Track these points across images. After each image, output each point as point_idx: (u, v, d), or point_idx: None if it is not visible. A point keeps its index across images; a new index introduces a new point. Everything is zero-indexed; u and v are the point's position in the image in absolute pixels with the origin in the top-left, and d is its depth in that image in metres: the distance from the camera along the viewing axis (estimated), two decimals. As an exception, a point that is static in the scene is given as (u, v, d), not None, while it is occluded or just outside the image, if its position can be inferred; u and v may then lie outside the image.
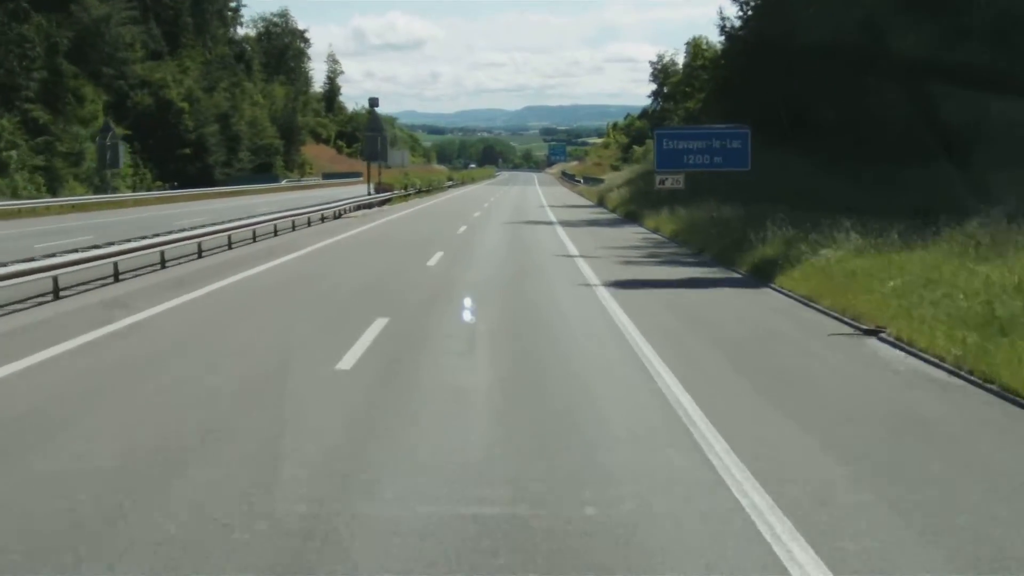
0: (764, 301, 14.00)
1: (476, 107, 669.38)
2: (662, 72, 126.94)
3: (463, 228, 29.32)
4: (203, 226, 21.47)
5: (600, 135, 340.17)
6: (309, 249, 21.44)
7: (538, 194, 66.73)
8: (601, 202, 47.77)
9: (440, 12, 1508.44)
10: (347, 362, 8.70)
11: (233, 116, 79.65)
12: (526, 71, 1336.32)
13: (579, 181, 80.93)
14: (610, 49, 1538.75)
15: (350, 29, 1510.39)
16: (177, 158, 72.61)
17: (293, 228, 27.90)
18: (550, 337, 10.63)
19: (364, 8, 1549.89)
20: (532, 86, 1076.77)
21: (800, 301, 13.58)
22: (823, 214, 21.30)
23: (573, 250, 22.15)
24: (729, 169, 36.70)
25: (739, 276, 17.01)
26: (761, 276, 16.16)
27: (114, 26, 73.41)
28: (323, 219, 32.19)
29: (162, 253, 17.28)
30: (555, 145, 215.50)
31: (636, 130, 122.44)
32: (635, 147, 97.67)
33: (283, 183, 71.06)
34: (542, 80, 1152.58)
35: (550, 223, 33.91)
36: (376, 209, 41.36)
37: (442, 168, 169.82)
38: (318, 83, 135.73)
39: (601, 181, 60.42)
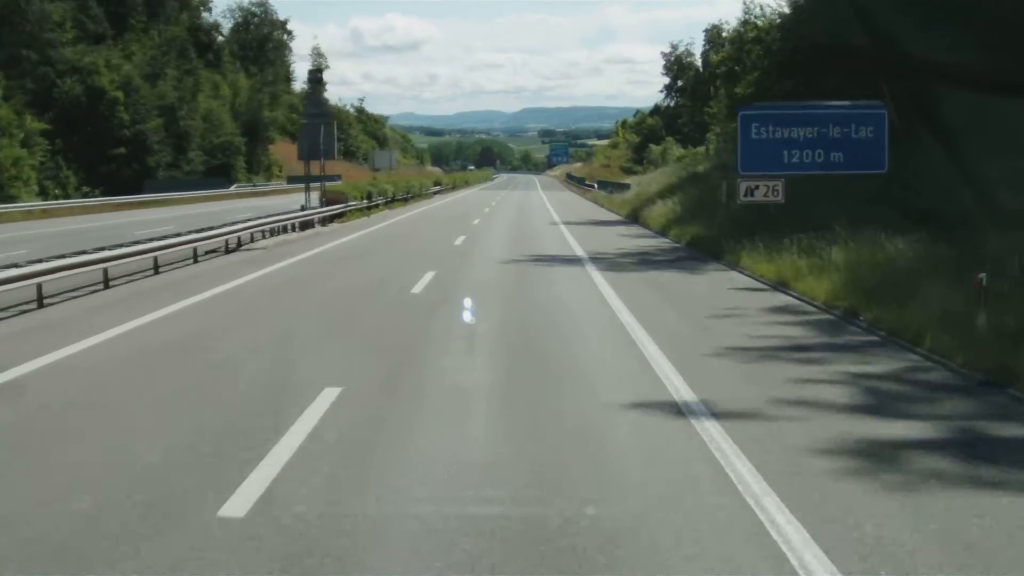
0: None
1: (474, 109, 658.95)
2: (675, 64, 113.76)
3: (426, 279, 15.79)
4: None
5: (600, 136, 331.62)
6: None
7: (544, 203, 53.53)
8: (635, 217, 34.49)
9: (438, 13, 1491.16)
10: None
11: (181, 109, 66.34)
12: (524, 72, 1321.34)
13: (591, 186, 67.04)
14: (608, 50, 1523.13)
15: (348, 30, 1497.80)
16: (110, 159, 59.48)
17: (105, 284, 14.67)
18: None
19: (362, 9, 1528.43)
20: (530, 88, 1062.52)
21: None
22: None
23: (660, 361, 8.92)
24: (855, 172, 23.87)
25: None
26: None
27: (38, 2, 60.30)
28: (196, 258, 18.89)
29: None
30: (556, 145, 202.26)
31: (648, 128, 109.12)
32: (651, 146, 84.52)
33: (232, 189, 57.56)
34: (540, 82, 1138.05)
35: (576, 260, 20.58)
36: (313, 232, 28.09)
37: (436, 170, 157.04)
38: (301, 79, 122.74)
39: (626, 187, 46.97)
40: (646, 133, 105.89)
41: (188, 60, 73.77)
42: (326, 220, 30.84)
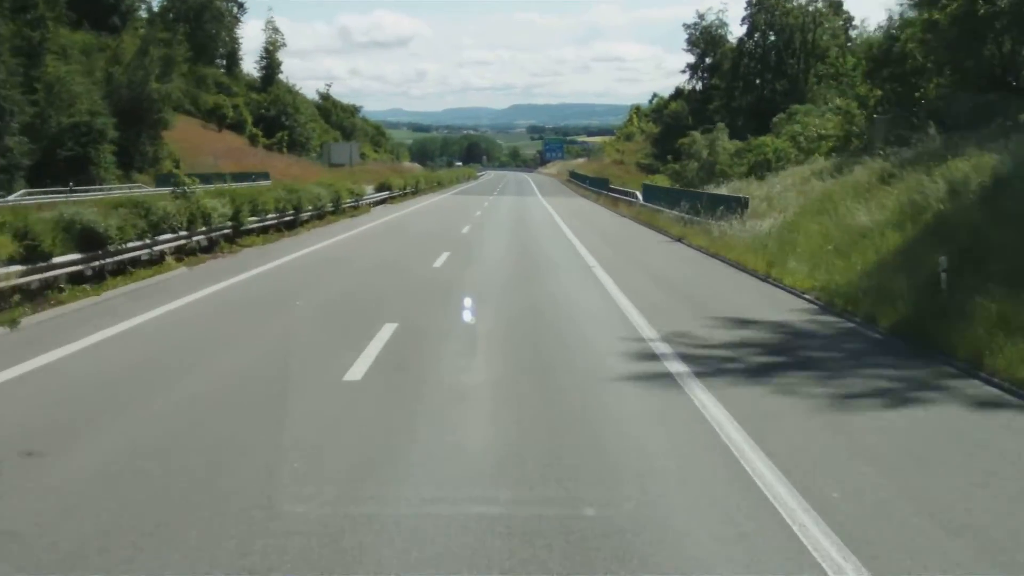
0: None
1: (463, 106, 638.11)
2: (702, 39, 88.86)
3: None
4: None
5: (589, 133, 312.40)
6: None
7: (560, 229, 27.61)
8: (926, 334, 9.64)
9: (426, 10, 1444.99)
10: None
11: (-4, 72, 41.29)
12: (512, 69, 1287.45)
13: (628, 196, 40.37)
14: (596, 48, 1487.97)
15: (336, 27, 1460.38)
16: None
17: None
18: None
19: (350, 6, 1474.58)
20: (519, 85, 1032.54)
21: None
22: None
23: None
24: None
25: None
26: None
27: None
28: None
29: None
30: (551, 140, 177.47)
31: (671, 115, 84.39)
32: (694, 135, 59.60)
33: (12, 198, 31.93)
34: (529, 79, 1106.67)
35: None
36: None
37: (414, 167, 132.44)
38: (252, 57, 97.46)
39: (737, 204, 21.21)
40: (668, 121, 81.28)
41: (34, 9, 48.61)
42: None
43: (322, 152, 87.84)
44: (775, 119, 56.07)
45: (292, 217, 23.56)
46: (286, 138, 77.31)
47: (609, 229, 27.83)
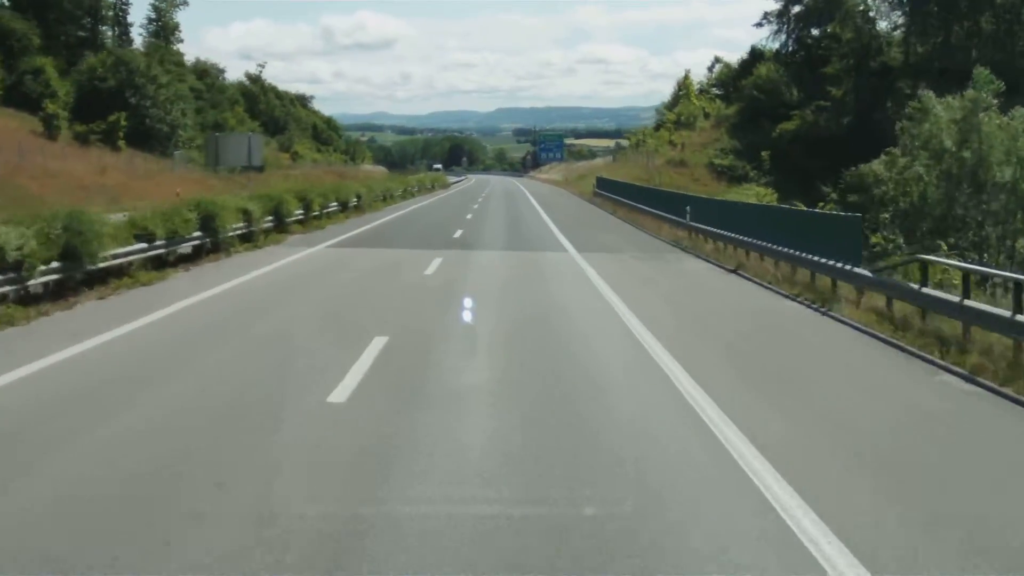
0: None
1: (448, 109, 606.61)
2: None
3: None
4: None
5: (577, 136, 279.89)
6: None
7: None
8: None
9: (409, 11, 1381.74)
10: None
11: None
12: (498, 72, 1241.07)
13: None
14: (581, 50, 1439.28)
15: (319, 28, 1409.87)
16: None
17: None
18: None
19: (332, 6, 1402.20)
20: (504, 88, 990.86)
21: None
22: None
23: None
24: None
25: None
26: None
27: None
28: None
29: None
30: (547, 138, 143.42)
31: (762, 86, 51.22)
32: (924, 97, 26.26)
33: None
34: (514, 82, 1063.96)
35: None
36: None
37: (376, 170, 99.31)
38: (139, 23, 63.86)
39: None
40: (756, 96, 48.42)
41: None
42: None
43: (206, 148, 54.19)
44: None
45: None
46: (124, 124, 44.01)
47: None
